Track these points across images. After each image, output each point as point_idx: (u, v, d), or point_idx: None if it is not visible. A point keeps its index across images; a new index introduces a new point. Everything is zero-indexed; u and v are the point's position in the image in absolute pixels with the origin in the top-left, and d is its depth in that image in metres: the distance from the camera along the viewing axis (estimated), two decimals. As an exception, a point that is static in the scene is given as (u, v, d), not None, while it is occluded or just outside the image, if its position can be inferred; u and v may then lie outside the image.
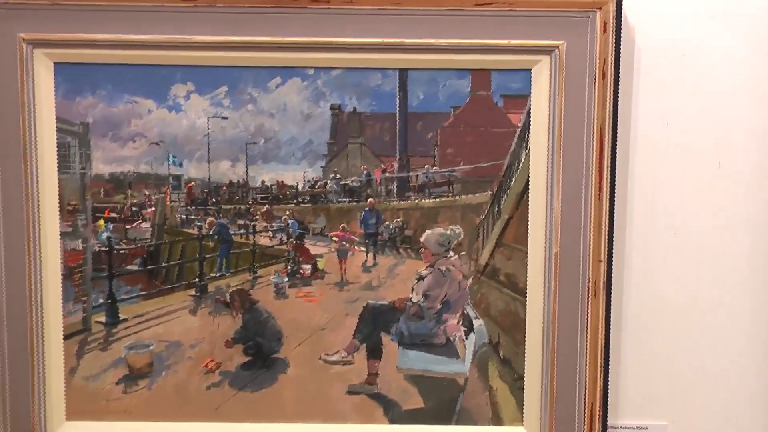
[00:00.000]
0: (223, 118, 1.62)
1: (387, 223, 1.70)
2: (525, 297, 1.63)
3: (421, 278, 1.68)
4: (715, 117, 1.64)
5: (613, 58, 1.55)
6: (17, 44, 1.54)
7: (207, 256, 1.72)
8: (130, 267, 1.69)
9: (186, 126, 1.62)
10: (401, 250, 1.70)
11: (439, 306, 1.68)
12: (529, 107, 1.59)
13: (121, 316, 1.68)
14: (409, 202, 1.69)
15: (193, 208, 1.70)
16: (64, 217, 1.62)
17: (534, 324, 1.63)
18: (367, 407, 1.68)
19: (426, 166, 1.66)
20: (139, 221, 1.69)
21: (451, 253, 1.66)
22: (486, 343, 1.67)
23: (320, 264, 1.72)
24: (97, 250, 1.66)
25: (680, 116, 1.64)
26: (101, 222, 1.66)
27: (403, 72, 1.60)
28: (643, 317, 1.69)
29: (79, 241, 1.65)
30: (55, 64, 1.58)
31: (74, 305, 1.65)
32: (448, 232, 1.65)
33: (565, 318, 1.61)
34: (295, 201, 1.71)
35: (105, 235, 1.67)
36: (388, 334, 1.69)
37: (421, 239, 1.66)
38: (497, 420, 1.68)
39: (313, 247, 1.73)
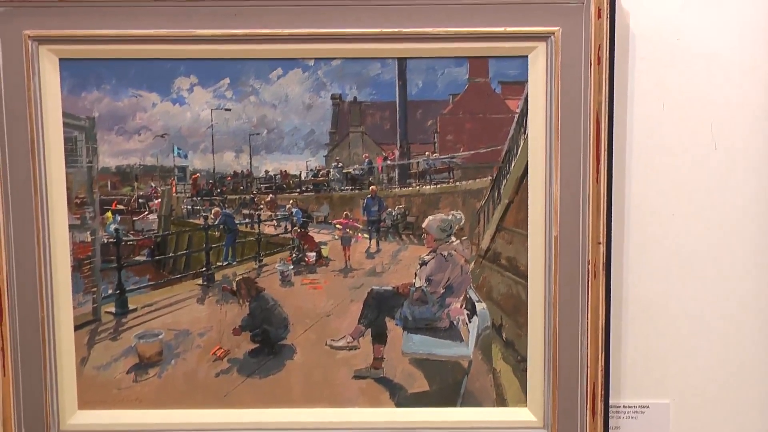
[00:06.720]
0: (226, 110, 1.64)
1: (389, 209, 1.72)
2: (526, 280, 1.66)
3: (423, 263, 1.70)
4: (711, 99, 1.66)
5: (608, 44, 1.56)
6: (23, 41, 1.56)
7: (213, 245, 1.74)
8: (138, 258, 1.72)
9: (190, 118, 1.65)
10: (404, 236, 1.73)
11: (442, 290, 1.71)
12: (527, 93, 1.61)
13: (130, 306, 1.71)
14: (410, 188, 1.71)
15: (199, 198, 1.72)
16: (73, 210, 1.65)
17: (535, 306, 1.66)
18: (373, 391, 1.71)
19: (426, 153, 1.69)
20: (146, 213, 1.72)
21: (453, 238, 1.69)
22: (489, 326, 1.70)
23: (324, 251, 1.74)
24: (106, 241, 1.69)
25: (676, 99, 1.66)
26: (109, 214, 1.69)
27: (402, 61, 1.63)
28: (642, 297, 1.71)
29: (88, 233, 1.68)
30: (61, 60, 1.60)
31: (84, 296, 1.68)
32: (450, 217, 1.68)
33: (566, 300, 1.63)
34: (298, 190, 1.73)
35: (113, 226, 1.70)
36: (393, 319, 1.71)
37: (423, 225, 1.69)
38: (501, 401, 1.71)
39: (317, 235, 1.75)
